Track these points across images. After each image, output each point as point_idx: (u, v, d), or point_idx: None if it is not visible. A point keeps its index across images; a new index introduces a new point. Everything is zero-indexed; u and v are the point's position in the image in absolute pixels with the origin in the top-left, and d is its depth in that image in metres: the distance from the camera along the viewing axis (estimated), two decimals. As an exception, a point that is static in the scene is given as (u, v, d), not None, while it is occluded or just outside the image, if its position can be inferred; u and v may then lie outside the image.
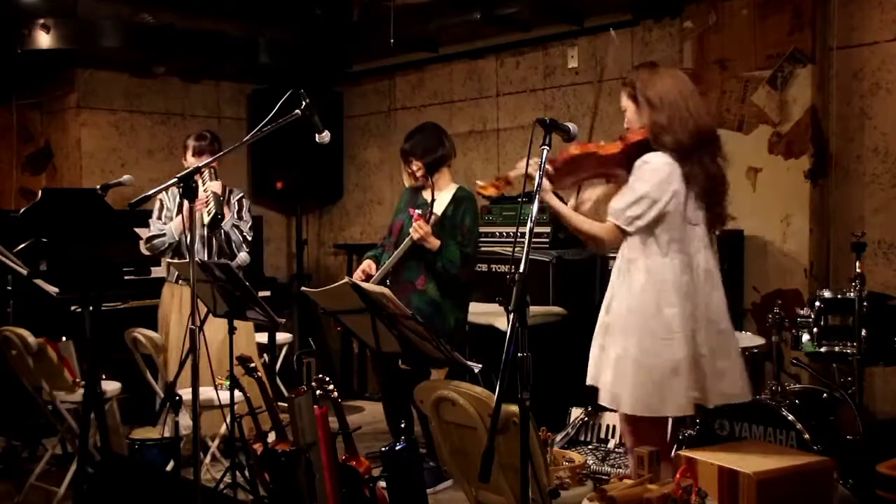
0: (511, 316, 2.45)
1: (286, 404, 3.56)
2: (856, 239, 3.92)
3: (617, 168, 3.33)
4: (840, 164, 4.95)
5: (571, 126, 2.97)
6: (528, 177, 3.08)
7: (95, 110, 6.76)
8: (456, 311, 4.45)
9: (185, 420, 4.16)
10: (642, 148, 3.25)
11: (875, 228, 4.79)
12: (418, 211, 4.34)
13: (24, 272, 4.67)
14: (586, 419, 4.68)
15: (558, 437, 4.62)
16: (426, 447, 4.49)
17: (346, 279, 3.24)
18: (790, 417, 3.70)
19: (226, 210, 4.85)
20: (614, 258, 3.48)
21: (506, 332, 2.46)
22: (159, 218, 4.96)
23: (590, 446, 4.58)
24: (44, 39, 6.02)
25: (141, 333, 4.64)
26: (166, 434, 4.38)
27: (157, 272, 5.67)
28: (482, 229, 5.28)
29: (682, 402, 3.21)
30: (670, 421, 3.60)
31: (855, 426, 3.85)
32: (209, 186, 4.74)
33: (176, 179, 3.20)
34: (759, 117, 5.02)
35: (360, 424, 3.90)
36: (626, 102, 3.34)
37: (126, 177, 4.09)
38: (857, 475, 3.58)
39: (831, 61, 4.92)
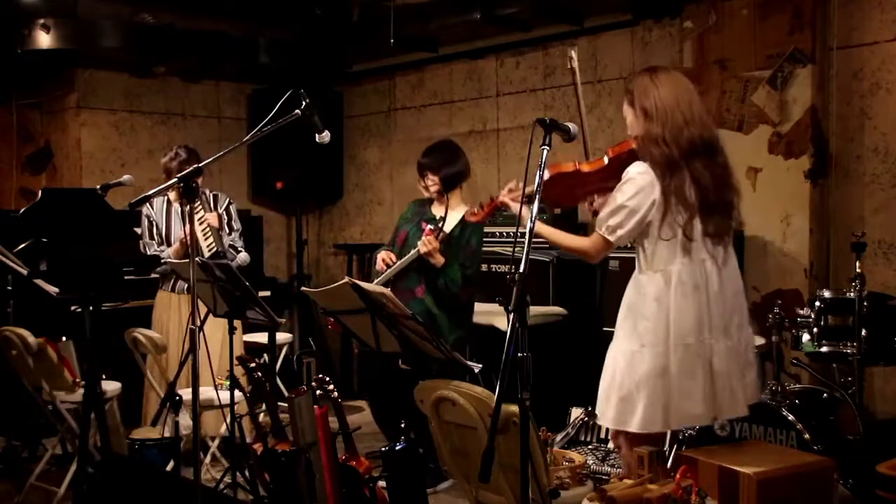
0: (511, 316, 2.45)
1: (286, 404, 3.56)
2: (856, 239, 3.92)
3: (610, 181, 3.28)
4: (840, 164, 4.95)
5: (571, 126, 2.96)
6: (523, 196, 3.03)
7: (95, 110, 6.77)
8: (456, 330, 4.40)
9: (185, 420, 4.16)
10: (634, 156, 3.22)
11: (875, 228, 4.79)
12: (430, 226, 4.32)
13: (25, 272, 4.67)
14: (586, 419, 4.67)
15: (558, 437, 4.62)
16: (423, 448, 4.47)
17: (347, 279, 3.24)
18: (790, 417, 3.70)
19: (223, 236, 4.84)
20: (614, 258, 3.47)
21: (506, 332, 2.47)
22: (151, 238, 4.93)
23: (590, 446, 4.58)
24: (44, 39, 6.02)
25: (141, 333, 4.65)
26: (166, 434, 4.38)
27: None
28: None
29: (643, 418, 3.08)
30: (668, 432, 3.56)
31: (855, 426, 3.85)
32: (206, 219, 4.73)
33: (176, 180, 3.21)
34: (759, 117, 5.01)
35: (360, 424, 3.90)
36: (626, 109, 3.32)
37: (126, 177, 4.09)
38: (857, 475, 3.58)
39: (831, 61, 4.92)
